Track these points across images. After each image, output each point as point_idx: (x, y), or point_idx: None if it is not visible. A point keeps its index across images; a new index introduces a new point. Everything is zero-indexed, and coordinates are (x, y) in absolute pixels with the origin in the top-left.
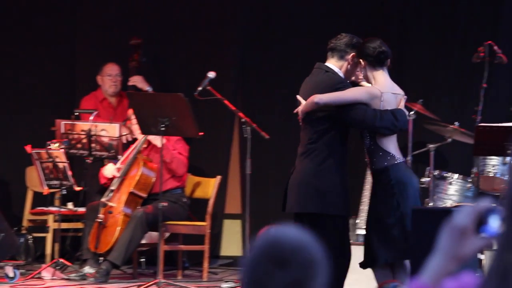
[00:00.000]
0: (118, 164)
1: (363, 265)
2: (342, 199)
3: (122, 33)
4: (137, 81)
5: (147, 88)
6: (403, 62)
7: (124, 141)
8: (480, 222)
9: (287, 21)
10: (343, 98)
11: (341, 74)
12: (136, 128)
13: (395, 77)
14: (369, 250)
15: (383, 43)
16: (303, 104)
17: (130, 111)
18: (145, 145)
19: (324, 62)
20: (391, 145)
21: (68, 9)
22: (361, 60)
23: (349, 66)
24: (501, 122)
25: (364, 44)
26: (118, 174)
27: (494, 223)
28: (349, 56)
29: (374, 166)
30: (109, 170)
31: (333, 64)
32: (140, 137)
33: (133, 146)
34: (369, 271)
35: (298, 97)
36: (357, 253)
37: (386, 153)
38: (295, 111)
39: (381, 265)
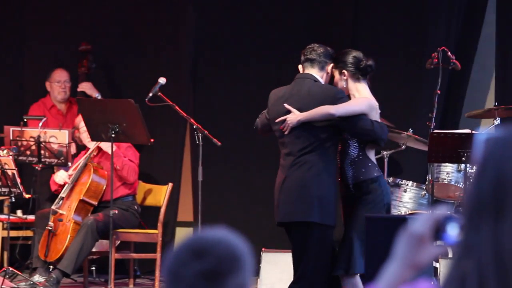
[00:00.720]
0: (70, 171)
1: (333, 271)
2: (336, 209)
3: (71, 39)
4: (86, 87)
5: (96, 94)
6: None
7: (74, 151)
8: (437, 229)
9: (239, 25)
10: (356, 109)
11: None
12: (85, 135)
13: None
14: (347, 258)
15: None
16: (304, 114)
17: (78, 120)
18: (95, 152)
19: (302, 71)
20: (373, 156)
21: (16, 13)
22: (344, 71)
23: (327, 77)
24: (456, 129)
25: (347, 55)
26: (69, 181)
27: (452, 231)
28: (329, 67)
29: (362, 177)
30: (61, 176)
31: (316, 74)
32: (90, 144)
33: (83, 153)
34: None
35: (288, 106)
36: None
37: (374, 164)
38: (279, 120)
39: (353, 274)
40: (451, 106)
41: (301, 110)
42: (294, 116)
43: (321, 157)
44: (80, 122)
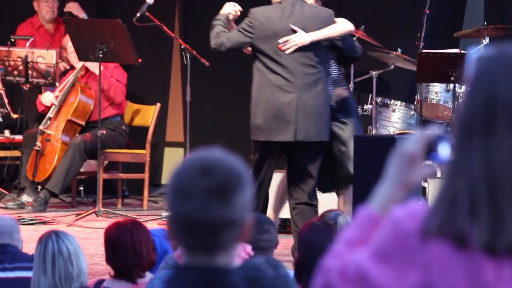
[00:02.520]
0: (57, 92)
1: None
2: None
3: None
4: (72, 7)
5: (82, 15)
6: None
7: (62, 69)
8: (429, 149)
9: None
10: (350, 28)
11: None
12: (73, 56)
13: (336, 3)
14: (339, 172)
15: None
16: (318, 33)
17: (65, 40)
18: (82, 73)
19: None
20: None
21: None
22: None
23: None
24: (444, 49)
25: None
26: (56, 102)
27: (443, 151)
28: None
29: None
30: (47, 98)
31: None
32: (77, 64)
33: (71, 73)
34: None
35: (294, 27)
36: None
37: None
38: (283, 41)
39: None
40: (440, 26)
41: (306, 30)
42: (305, 36)
43: (325, 76)
44: (67, 42)
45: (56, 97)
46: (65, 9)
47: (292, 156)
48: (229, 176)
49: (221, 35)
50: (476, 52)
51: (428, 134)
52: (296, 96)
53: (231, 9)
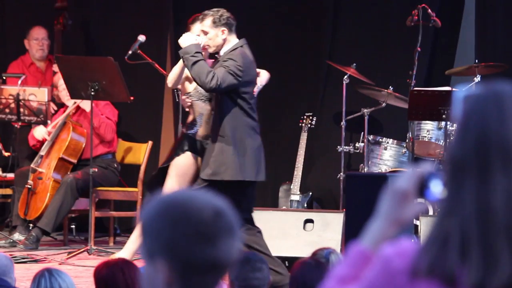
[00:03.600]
0: (49, 128)
1: None
2: None
3: None
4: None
5: None
6: (336, 25)
7: (52, 111)
8: (422, 186)
9: None
10: None
11: None
12: (64, 93)
13: (330, 41)
14: None
15: None
16: (266, 77)
17: (56, 78)
18: (74, 110)
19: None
20: None
21: None
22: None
23: None
24: (436, 87)
25: None
26: (48, 138)
27: (436, 188)
28: None
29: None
30: (40, 132)
31: None
32: (69, 102)
33: (62, 111)
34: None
35: (259, 70)
36: (290, 219)
37: None
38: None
39: None
40: (431, 64)
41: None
42: (264, 79)
43: None
44: (59, 80)
45: (49, 133)
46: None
47: (249, 194)
48: (211, 222)
49: (214, 75)
50: (463, 90)
51: (420, 171)
52: (260, 138)
53: (201, 40)
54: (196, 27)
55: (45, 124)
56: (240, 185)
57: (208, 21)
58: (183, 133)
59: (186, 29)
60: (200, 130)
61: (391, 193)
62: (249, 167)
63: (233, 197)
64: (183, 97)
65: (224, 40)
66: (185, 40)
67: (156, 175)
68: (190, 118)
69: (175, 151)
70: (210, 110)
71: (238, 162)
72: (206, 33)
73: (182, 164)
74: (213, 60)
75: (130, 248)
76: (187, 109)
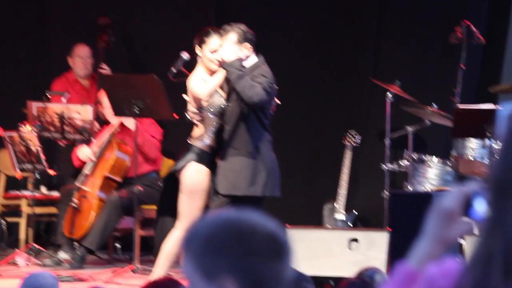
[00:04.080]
0: (93, 148)
1: None
2: None
3: (93, 12)
4: (106, 70)
5: None
6: (380, 43)
7: (96, 129)
8: (467, 205)
9: (263, 3)
10: None
11: None
12: (108, 111)
13: (373, 58)
14: None
15: None
16: None
17: (101, 95)
18: (119, 129)
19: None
20: None
21: None
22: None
23: None
24: (480, 104)
25: None
26: (93, 158)
27: (480, 207)
28: None
29: None
30: (84, 153)
31: None
32: (113, 119)
33: (106, 128)
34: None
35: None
36: (334, 238)
37: None
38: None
39: None
40: (475, 81)
41: None
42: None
43: None
44: (103, 97)
45: (94, 153)
46: (100, 69)
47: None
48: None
49: (256, 90)
50: (508, 108)
51: (465, 190)
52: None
53: (242, 54)
54: (214, 40)
55: (89, 142)
56: (259, 200)
57: (233, 36)
58: (189, 144)
59: (195, 41)
60: (209, 144)
61: (436, 212)
62: (270, 182)
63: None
64: (194, 111)
65: (247, 57)
66: (228, 53)
67: (164, 183)
68: (201, 130)
69: (184, 160)
70: (220, 123)
71: (262, 177)
72: None
73: (194, 180)
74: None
75: (158, 272)
76: (196, 123)
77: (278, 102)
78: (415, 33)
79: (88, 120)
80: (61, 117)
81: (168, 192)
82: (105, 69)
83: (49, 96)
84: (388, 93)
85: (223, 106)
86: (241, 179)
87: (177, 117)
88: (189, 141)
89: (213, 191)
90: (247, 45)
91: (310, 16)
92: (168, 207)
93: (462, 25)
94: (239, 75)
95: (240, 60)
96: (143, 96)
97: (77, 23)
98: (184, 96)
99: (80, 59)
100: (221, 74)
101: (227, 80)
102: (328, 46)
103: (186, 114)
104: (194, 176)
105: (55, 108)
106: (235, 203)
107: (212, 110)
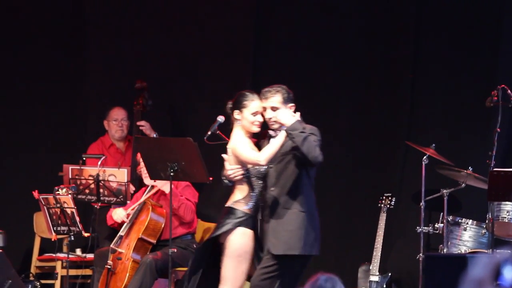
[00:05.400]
0: (128, 210)
1: None
2: None
3: (130, 76)
4: (145, 127)
5: (153, 135)
6: (415, 106)
7: (131, 192)
8: (497, 272)
9: (298, 62)
10: None
11: None
12: (144, 173)
13: (408, 120)
14: None
15: None
16: None
17: (139, 156)
18: (153, 191)
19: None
20: None
21: (76, 51)
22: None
23: None
24: None
25: None
26: (127, 220)
27: (509, 274)
28: None
29: None
30: (118, 215)
31: None
32: (147, 181)
33: (143, 190)
34: None
35: None
36: None
37: None
38: None
39: None
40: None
41: None
42: None
43: None
44: (140, 158)
45: (128, 215)
46: (138, 123)
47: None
48: None
49: (317, 147)
50: None
51: (496, 258)
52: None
53: (298, 117)
54: (255, 103)
55: (124, 204)
56: (307, 259)
57: (278, 97)
58: (231, 208)
59: (233, 106)
60: (253, 207)
61: (468, 282)
62: (317, 241)
63: (298, 271)
64: (234, 168)
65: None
66: (287, 117)
67: (204, 246)
68: (243, 193)
69: (226, 224)
70: (261, 186)
71: (312, 236)
72: (275, 109)
73: (241, 244)
74: (255, 140)
75: None
76: (235, 181)
77: None
78: (450, 96)
79: (124, 182)
80: (97, 180)
81: (207, 255)
82: (144, 126)
83: (85, 159)
84: (424, 156)
85: (263, 168)
86: (297, 239)
87: (211, 179)
88: (230, 205)
89: (257, 252)
90: (293, 105)
91: (345, 83)
92: (203, 270)
93: (498, 89)
94: (304, 136)
95: (300, 121)
96: (179, 159)
97: (114, 86)
98: (224, 155)
99: (116, 122)
100: (280, 138)
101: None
102: (363, 109)
103: (223, 178)
104: (241, 240)
105: (91, 171)
106: (285, 263)
107: (255, 173)
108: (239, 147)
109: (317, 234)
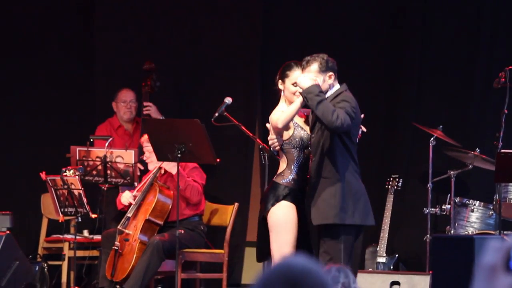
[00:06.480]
0: (135, 192)
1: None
2: None
3: (139, 58)
4: (151, 110)
5: (159, 117)
6: (423, 88)
7: (139, 173)
8: (508, 256)
9: (309, 44)
10: None
11: None
12: (149, 160)
13: (416, 102)
14: None
15: None
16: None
17: (143, 141)
18: (162, 171)
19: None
20: None
21: (85, 33)
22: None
23: None
24: None
25: None
26: (133, 201)
27: None
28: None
29: None
30: (125, 197)
31: None
32: (152, 168)
33: (151, 172)
34: None
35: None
36: (376, 281)
37: None
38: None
39: None
40: None
41: None
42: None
43: None
44: (145, 144)
45: (135, 196)
46: (144, 111)
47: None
48: None
49: (338, 114)
50: None
51: (506, 244)
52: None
53: (320, 81)
54: (296, 73)
55: (132, 185)
56: (352, 229)
57: (315, 66)
58: (273, 182)
59: (277, 75)
60: (294, 179)
61: (480, 269)
62: (359, 210)
63: (348, 242)
64: (273, 138)
65: (331, 85)
66: (305, 81)
67: (261, 234)
68: (283, 166)
69: (269, 201)
70: (305, 157)
71: (350, 205)
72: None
73: (279, 216)
74: (304, 116)
75: None
76: (276, 150)
77: (364, 129)
78: (458, 78)
79: (131, 164)
80: (104, 161)
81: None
82: (149, 108)
83: (92, 140)
84: (431, 138)
85: (305, 139)
86: (331, 208)
87: (218, 160)
88: (274, 179)
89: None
90: (331, 74)
91: (351, 61)
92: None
93: (506, 70)
94: (318, 100)
95: (318, 85)
96: (186, 140)
97: (122, 68)
98: (267, 124)
99: (124, 103)
100: (297, 102)
101: (312, 111)
102: (370, 90)
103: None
104: (278, 211)
105: (98, 152)
106: (329, 233)
107: (294, 143)
108: (272, 115)
109: (359, 204)
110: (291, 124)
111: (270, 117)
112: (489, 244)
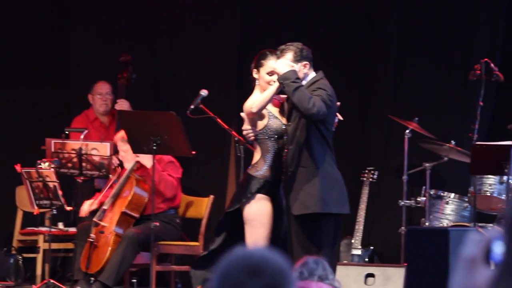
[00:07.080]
0: (99, 198)
1: None
2: None
3: (115, 50)
4: (123, 106)
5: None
6: (399, 80)
7: (114, 166)
8: (488, 249)
9: (287, 35)
10: None
11: None
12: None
13: (392, 94)
14: None
15: None
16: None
17: (117, 139)
18: (138, 165)
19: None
20: None
21: (60, 24)
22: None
23: None
24: (498, 141)
25: None
26: (93, 207)
27: (498, 249)
28: None
29: None
30: (83, 210)
31: None
32: (128, 166)
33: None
34: None
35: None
36: (351, 273)
37: None
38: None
39: None
40: (493, 118)
41: None
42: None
43: None
44: (120, 141)
45: (99, 202)
46: (116, 107)
47: (335, 228)
48: (277, 276)
49: (315, 102)
50: None
51: (486, 236)
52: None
53: (297, 68)
54: (271, 62)
55: (107, 178)
56: (331, 218)
57: (289, 54)
58: (247, 174)
59: (252, 64)
60: (268, 170)
61: (461, 262)
62: (337, 199)
63: (327, 231)
64: (247, 128)
65: (305, 74)
66: (282, 66)
67: (223, 219)
68: (257, 157)
69: (243, 194)
70: (279, 147)
71: (330, 194)
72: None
73: (253, 209)
74: (286, 96)
75: None
76: (251, 140)
77: (341, 118)
78: (433, 71)
79: (106, 156)
80: (79, 154)
81: (228, 226)
82: (122, 104)
83: (68, 133)
84: (406, 130)
85: (281, 128)
86: (311, 197)
87: (194, 153)
88: (248, 170)
89: (286, 213)
90: (306, 63)
91: (327, 52)
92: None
93: (481, 63)
94: (295, 87)
95: (295, 71)
96: (162, 133)
97: (98, 60)
98: (241, 114)
99: (100, 96)
100: (273, 87)
101: (287, 99)
102: (347, 83)
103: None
104: (252, 205)
105: (73, 144)
106: (309, 223)
107: (269, 133)
108: (246, 104)
109: (337, 192)
110: (265, 113)
111: (244, 105)
112: (468, 236)
